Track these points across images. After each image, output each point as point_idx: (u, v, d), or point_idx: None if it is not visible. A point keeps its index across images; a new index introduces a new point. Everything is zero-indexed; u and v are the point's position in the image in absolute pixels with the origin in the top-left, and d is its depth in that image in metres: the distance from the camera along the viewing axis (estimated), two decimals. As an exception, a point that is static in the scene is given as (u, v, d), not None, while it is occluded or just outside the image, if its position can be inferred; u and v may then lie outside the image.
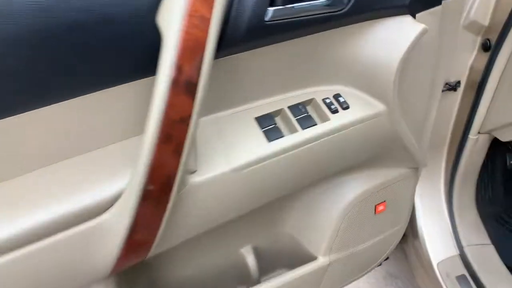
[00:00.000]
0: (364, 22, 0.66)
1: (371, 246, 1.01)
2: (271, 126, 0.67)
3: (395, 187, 0.95)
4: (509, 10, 0.87)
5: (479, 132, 1.06)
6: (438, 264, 1.22)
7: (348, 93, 0.72)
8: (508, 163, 1.20)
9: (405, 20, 0.66)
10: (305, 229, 0.94)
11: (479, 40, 0.96)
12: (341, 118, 0.69)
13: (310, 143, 0.67)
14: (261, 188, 0.68)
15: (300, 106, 0.70)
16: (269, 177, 0.66)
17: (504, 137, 1.04)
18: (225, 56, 0.60)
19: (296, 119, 0.68)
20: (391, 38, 0.65)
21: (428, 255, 1.24)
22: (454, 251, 1.22)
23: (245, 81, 0.66)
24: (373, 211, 0.94)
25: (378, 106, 0.71)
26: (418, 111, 0.84)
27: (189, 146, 0.54)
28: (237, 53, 0.60)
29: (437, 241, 1.24)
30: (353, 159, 0.79)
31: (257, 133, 0.66)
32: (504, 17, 0.88)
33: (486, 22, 0.92)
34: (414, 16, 0.68)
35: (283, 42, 0.63)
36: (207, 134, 0.65)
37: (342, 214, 0.90)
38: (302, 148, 0.66)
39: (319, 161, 0.71)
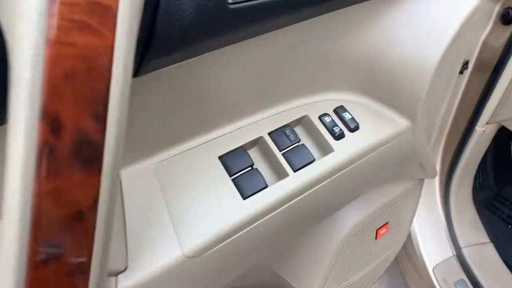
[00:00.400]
0: (384, -3, 0.41)
1: (369, 271, 0.82)
2: (245, 171, 0.42)
3: (399, 204, 0.75)
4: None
5: (487, 123, 0.87)
6: (434, 268, 1.07)
7: (355, 104, 0.48)
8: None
9: None
10: (292, 265, 0.73)
11: (497, 9, 0.74)
12: (349, 147, 0.45)
13: (306, 191, 0.43)
14: (231, 267, 0.44)
15: (287, 131, 0.45)
16: (244, 251, 0.42)
17: (519, 128, 0.86)
18: (159, 68, 0.33)
19: (283, 153, 0.44)
20: (428, 23, 0.41)
21: (422, 258, 1.09)
22: (451, 253, 1.08)
23: (197, 100, 0.40)
24: (374, 237, 0.75)
25: (399, 123, 0.48)
26: (434, 111, 0.62)
27: (102, 253, 0.28)
28: (180, 61, 0.34)
29: (432, 243, 1.09)
30: (361, 191, 0.56)
31: (224, 183, 0.41)
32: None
33: (509, -15, 0.71)
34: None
35: (259, 36, 0.37)
36: (142, 194, 0.39)
37: (338, 248, 0.69)
38: (294, 200, 0.43)
39: (317, 208, 0.48)
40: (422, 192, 1.09)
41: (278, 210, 0.42)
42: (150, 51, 0.30)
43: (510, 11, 0.72)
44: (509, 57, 0.74)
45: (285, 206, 0.42)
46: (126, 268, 0.36)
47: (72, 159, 0.24)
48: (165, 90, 0.36)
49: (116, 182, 0.27)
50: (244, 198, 0.40)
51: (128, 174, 0.39)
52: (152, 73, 0.33)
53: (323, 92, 0.48)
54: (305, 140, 0.46)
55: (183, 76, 0.36)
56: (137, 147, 0.39)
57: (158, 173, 0.40)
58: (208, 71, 0.38)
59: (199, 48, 0.33)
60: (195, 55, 0.34)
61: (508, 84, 0.79)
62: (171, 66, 0.33)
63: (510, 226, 1.21)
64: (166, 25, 0.29)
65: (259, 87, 0.43)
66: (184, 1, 0.29)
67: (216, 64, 0.38)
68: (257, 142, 0.45)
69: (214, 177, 0.41)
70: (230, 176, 0.41)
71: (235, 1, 0.31)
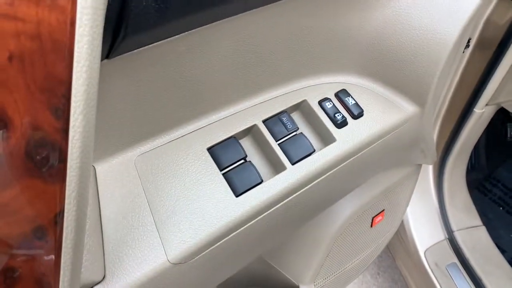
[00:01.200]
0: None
1: (363, 258, 0.80)
2: (237, 164, 0.38)
3: (396, 190, 0.72)
4: None
5: (486, 105, 0.84)
6: (425, 252, 1.06)
7: (358, 88, 0.44)
8: (508, 135, 1.02)
9: None
10: (285, 255, 0.70)
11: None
12: (352, 136, 0.41)
13: (305, 186, 0.39)
14: (222, 270, 0.40)
15: (284, 118, 0.41)
16: (236, 253, 0.38)
17: (519, 110, 0.83)
18: (136, 48, 0.28)
19: (280, 144, 0.39)
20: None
21: (414, 242, 1.08)
22: (442, 236, 1.07)
23: (181, 84, 0.35)
24: (370, 225, 0.72)
25: (406, 108, 0.44)
26: (439, 94, 0.58)
27: (72, 270, 0.24)
28: (160, 39, 0.29)
29: (424, 226, 1.08)
30: (363, 181, 0.53)
31: (214, 179, 0.37)
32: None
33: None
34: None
35: (251, 11, 0.32)
36: (121, 192, 0.34)
37: (333, 238, 0.66)
38: (292, 196, 0.39)
39: (316, 202, 0.45)
40: (416, 175, 1.07)
41: (274, 208, 0.37)
42: (123, 28, 0.24)
43: (518, -14, 0.67)
44: (514, 35, 0.70)
45: (282, 203, 0.38)
46: (103, 278, 0.31)
47: (25, 165, 0.19)
48: (143, 74, 0.31)
49: (86, 187, 0.23)
50: (237, 196, 0.36)
51: (104, 170, 0.34)
52: (128, 53, 0.28)
53: (323, 74, 0.43)
54: (303, 128, 0.42)
55: (164, 57, 0.31)
56: (114, 138, 0.34)
57: (139, 168, 0.36)
58: (193, 50, 0.33)
59: (183, 24, 0.28)
60: (178, 32, 0.29)
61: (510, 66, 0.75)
62: (150, 46, 0.28)
63: (501, 208, 1.20)
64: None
65: (252, 69, 0.38)
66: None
67: (202, 42, 0.32)
68: (251, 131, 0.40)
69: (202, 171, 0.36)
70: (221, 170, 0.37)
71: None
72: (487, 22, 0.74)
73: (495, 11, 0.73)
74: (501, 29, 0.72)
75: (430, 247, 1.06)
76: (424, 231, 1.07)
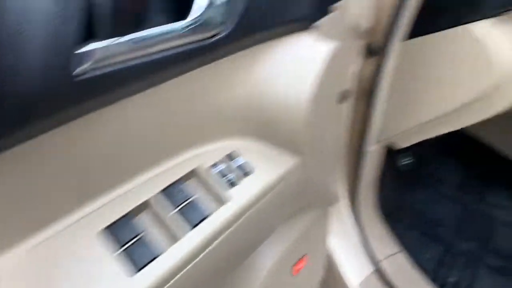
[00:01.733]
0: (253, 47, 0.43)
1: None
2: (132, 242, 0.39)
3: (310, 234, 0.76)
4: (390, 10, 0.76)
5: (376, 143, 0.95)
6: (359, 287, 1.10)
7: (245, 148, 0.49)
8: (399, 163, 1.16)
9: (309, 37, 0.46)
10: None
11: (363, 44, 0.84)
12: (244, 193, 0.45)
13: (206, 248, 0.41)
14: None
15: (178, 187, 0.43)
16: None
17: (401, 143, 0.96)
18: (2, 150, 0.30)
19: (176, 213, 0.42)
20: (295, 65, 0.44)
21: (347, 279, 1.12)
22: (371, 268, 1.12)
23: (65, 172, 0.36)
24: (291, 274, 0.74)
25: (289, 160, 0.49)
26: (324, 142, 0.66)
27: None
28: (25, 140, 0.31)
29: (352, 262, 1.13)
30: (267, 233, 0.56)
31: (110, 261, 0.37)
32: (387, 17, 0.77)
33: (368, 24, 0.80)
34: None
35: (130, 97, 0.36)
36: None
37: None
38: (195, 261, 0.40)
39: (223, 262, 0.46)
40: (334, 215, 1.14)
41: (178, 276, 0.39)
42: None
43: (373, 45, 0.81)
44: (379, 85, 0.83)
45: (185, 269, 0.39)
46: None
47: None
48: (22, 169, 0.32)
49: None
50: (136, 272, 0.37)
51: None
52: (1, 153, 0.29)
53: (212, 141, 0.47)
54: (198, 193, 0.45)
55: (43, 152, 0.32)
56: (0, 235, 0.34)
57: (30, 262, 0.35)
58: (70, 141, 0.35)
59: (47, 125, 0.30)
60: (44, 132, 0.31)
61: (385, 108, 0.88)
62: (21, 144, 0.30)
63: (415, 231, 1.31)
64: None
65: (141, 148, 0.41)
66: (21, 74, 0.26)
67: (79, 133, 0.35)
68: (147, 206, 0.42)
69: (98, 255, 0.37)
70: (118, 249, 0.38)
71: (81, 72, 0.29)
72: (359, 75, 0.88)
73: (362, 66, 0.86)
74: (368, 81, 0.85)
75: (362, 281, 1.11)
76: (353, 267, 1.12)
